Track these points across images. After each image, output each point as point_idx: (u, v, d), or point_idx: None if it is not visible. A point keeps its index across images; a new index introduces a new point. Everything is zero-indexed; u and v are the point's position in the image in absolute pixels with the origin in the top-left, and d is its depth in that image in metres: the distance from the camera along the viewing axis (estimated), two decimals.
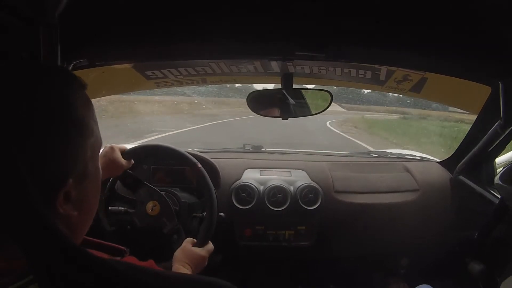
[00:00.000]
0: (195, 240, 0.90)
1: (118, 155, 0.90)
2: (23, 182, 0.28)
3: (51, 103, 0.33)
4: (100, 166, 0.41)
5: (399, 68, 1.10)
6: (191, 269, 0.83)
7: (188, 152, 1.01)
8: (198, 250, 0.87)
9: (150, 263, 0.50)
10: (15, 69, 0.34)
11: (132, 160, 0.95)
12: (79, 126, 0.35)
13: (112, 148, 0.89)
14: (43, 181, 0.32)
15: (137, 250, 0.60)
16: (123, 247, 0.49)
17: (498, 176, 0.91)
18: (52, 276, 0.28)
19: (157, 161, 1.17)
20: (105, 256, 0.44)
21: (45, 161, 0.32)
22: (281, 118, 0.94)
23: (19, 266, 0.30)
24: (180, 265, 0.82)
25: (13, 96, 0.31)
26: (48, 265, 0.28)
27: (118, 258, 0.47)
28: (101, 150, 0.90)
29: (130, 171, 0.98)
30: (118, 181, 1.01)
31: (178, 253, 0.85)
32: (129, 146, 0.97)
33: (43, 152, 0.32)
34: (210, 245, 0.91)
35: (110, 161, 0.88)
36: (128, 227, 0.98)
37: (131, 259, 0.47)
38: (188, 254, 0.85)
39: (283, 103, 0.92)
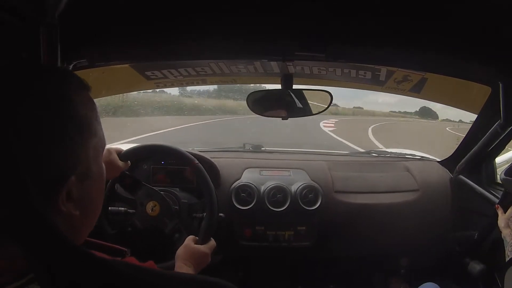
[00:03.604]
0: (197, 238, 0.90)
1: (115, 157, 0.89)
2: (22, 180, 0.28)
3: (50, 101, 0.33)
4: (104, 169, 0.41)
5: (399, 69, 1.10)
6: (193, 267, 0.83)
7: (188, 152, 1.01)
8: (200, 247, 0.87)
9: (150, 264, 0.50)
10: (15, 69, 0.34)
11: (129, 161, 0.95)
12: (80, 125, 0.35)
13: (108, 151, 0.89)
14: (42, 178, 0.31)
15: (139, 251, 0.59)
16: (124, 248, 0.49)
17: (503, 172, 0.91)
18: (52, 275, 0.28)
19: (157, 160, 1.17)
20: (104, 256, 0.44)
21: (44, 159, 0.32)
22: (281, 118, 0.94)
23: (19, 265, 0.30)
24: (183, 263, 0.82)
25: (11, 94, 0.31)
26: (48, 264, 0.28)
27: (119, 259, 0.47)
28: None
29: (128, 172, 0.97)
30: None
31: (180, 251, 0.86)
32: (125, 147, 0.97)
33: (42, 150, 0.32)
34: (212, 242, 0.91)
35: (107, 163, 0.86)
36: (129, 229, 0.98)
37: (131, 260, 0.47)
38: (190, 252, 0.85)
39: (283, 103, 0.92)
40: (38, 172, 0.31)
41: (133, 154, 0.96)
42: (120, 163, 0.91)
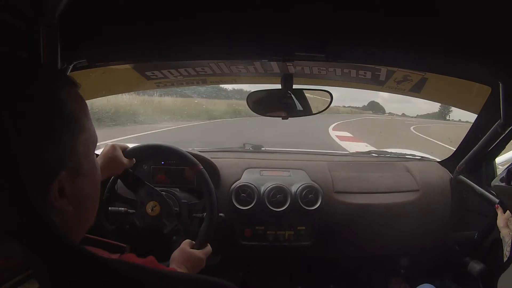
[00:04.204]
0: (193, 242, 0.90)
1: (119, 153, 0.89)
2: (21, 177, 0.27)
3: (38, 97, 0.33)
4: (98, 165, 0.41)
5: (399, 69, 1.10)
6: (187, 271, 0.82)
7: (188, 152, 1.01)
8: (196, 252, 0.87)
9: (150, 259, 0.50)
10: (3, 67, 0.34)
11: (134, 159, 0.95)
12: (68, 121, 0.35)
13: (113, 147, 0.89)
14: (34, 175, 0.31)
15: (136, 250, 0.60)
16: (123, 244, 0.49)
17: (498, 178, 0.91)
18: (51, 273, 0.28)
19: (157, 161, 1.17)
20: (104, 253, 0.44)
21: (35, 154, 0.32)
22: (281, 118, 0.94)
23: (17, 264, 0.30)
24: (177, 267, 0.82)
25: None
26: (47, 262, 0.28)
27: (118, 255, 0.47)
28: (101, 149, 0.89)
29: (131, 170, 0.97)
30: (118, 181, 1.00)
31: (175, 254, 0.85)
32: (130, 145, 0.97)
33: (32, 146, 0.32)
34: (208, 248, 0.91)
35: (111, 159, 0.88)
36: (127, 226, 0.98)
37: (130, 257, 0.47)
38: (185, 256, 0.85)
39: (283, 103, 0.92)
40: (31, 168, 0.31)
41: (138, 152, 0.96)
42: (125, 160, 0.91)
